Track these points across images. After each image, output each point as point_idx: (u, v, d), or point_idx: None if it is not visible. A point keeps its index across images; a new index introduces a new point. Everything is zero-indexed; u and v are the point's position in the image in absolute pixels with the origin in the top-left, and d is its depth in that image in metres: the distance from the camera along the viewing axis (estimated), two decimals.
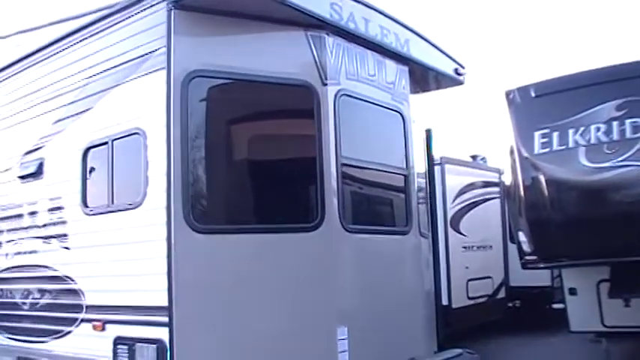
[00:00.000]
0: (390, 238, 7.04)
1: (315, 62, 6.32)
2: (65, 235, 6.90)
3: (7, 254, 7.78)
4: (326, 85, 6.32)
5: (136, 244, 6.01)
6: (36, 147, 7.44)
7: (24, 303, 7.43)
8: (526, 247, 9.68)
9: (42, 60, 7.53)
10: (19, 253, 7.59)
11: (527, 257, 9.71)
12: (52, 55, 7.37)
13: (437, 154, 10.33)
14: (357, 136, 6.67)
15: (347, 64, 6.63)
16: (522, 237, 9.74)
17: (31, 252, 7.39)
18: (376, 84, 7.00)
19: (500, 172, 15.15)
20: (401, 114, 7.27)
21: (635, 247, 8.47)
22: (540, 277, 13.99)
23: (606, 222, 8.69)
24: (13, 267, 7.67)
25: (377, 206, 7.47)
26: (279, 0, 5.78)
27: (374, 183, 7.17)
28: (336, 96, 6.38)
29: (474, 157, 15.71)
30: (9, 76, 8.08)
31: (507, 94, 9.90)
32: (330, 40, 6.44)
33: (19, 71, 7.91)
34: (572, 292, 10.48)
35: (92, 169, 6.68)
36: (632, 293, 9.42)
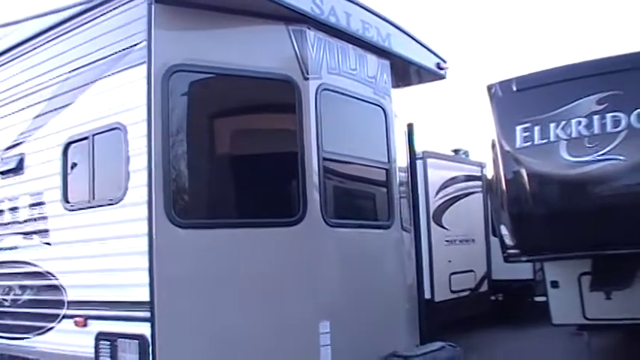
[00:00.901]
0: (372, 232, 7.04)
1: (297, 56, 6.31)
2: (46, 231, 6.86)
3: None
4: (307, 79, 6.31)
5: (118, 240, 5.98)
6: (16, 142, 7.39)
7: (5, 299, 7.38)
8: (508, 241, 9.74)
9: (22, 54, 7.47)
10: None
11: (510, 251, 9.77)
12: (32, 50, 7.31)
13: (419, 149, 10.35)
14: (338, 131, 6.66)
15: (328, 58, 6.62)
16: (504, 230, 9.80)
17: (11, 248, 7.34)
18: (358, 78, 7.00)
19: (482, 166, 15.21)
20: (383, 108, 7.27)
21: (616, 240, 8.53)
22: (522, 271, 14.09)
23: (587, 215, 8.75)
24: None
25: (359, 200, 7.48)
26: None
27: (356, 177, 7.18)
28: (317, 90, 6.37)
29: (455, 151, 15.75)
30: None
31: (489, 88, 9.94)
32: (311, 34, 6.44)
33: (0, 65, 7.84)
34: (554, 285, 10.55)
35: (73, 165, 6.64)
36: (613, 286, 9.49)
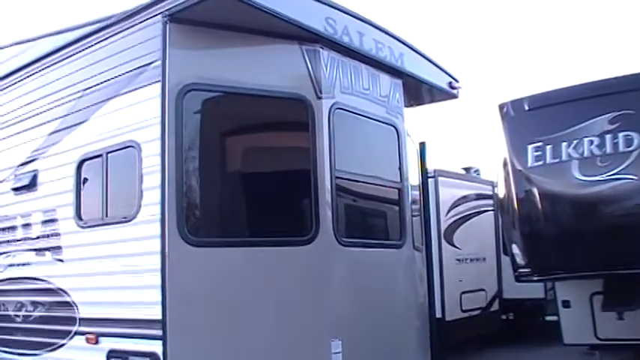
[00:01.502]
0: (384, 251, 7.03)
1: (310, 76, 6.33)
2: (59, 248, 6.89)
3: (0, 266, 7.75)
4: (320, 98, 6.33)
5: (130, 257, 6.00)
6: (30, 159, 7.43)
7: (17, 315, 7.40)
8: (520, 260, 9.69)
9: (37, 72, 7.54)
10: (12, 265, 7.57)
11: (521, 270, 9.72)
12: (47, 67, 7.38)
13: (430, 167, 10.34)
14: (351, 150, 6.68)
15: (341, 77, 6.64)
16: (516, 249, 9.75)
17: (24, 264, 7.37)
18: (370, 97, 7.02)
19: (493, 185, 15.15)
20: (395, 127, 7.28)
21: (629, 259, 8.49)
22: (534, 290, 13.97)
23: (599, 235, 8.71)
24: (6, 279, 7.63)
25: (371, 219, 7.48)
26: (274, 13, 5.80)
27: (368, 196, 7.19)
28: (330, 109, 6.39)
29: (467, 169, 15.69)
30: (4, 88, 8.08)
31: (501, 107, 9.93)
32: (324, 54, 6.46)
33: (15, 82, 7.91)
34: (566, 304, 10.49)
35: (86, 182, 6.67)
36: (625, 306, 9.44)
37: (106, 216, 6.34)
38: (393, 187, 7.22)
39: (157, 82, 5.89)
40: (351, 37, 6.69)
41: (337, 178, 6.34)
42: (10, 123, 7.85)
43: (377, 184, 7.10)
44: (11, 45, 8.24)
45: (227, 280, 5.85)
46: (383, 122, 7.16)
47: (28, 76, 7.69)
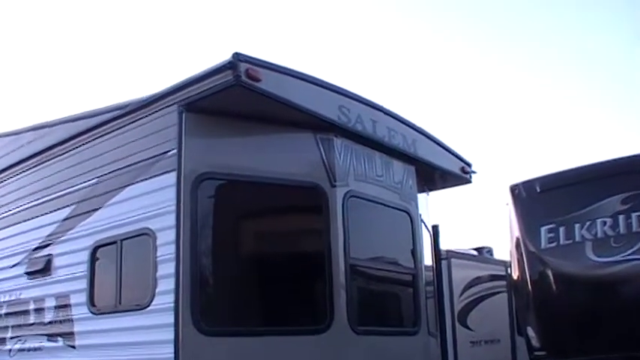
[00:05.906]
0: (398, 339, 6.96)
1: (324, 164, 6.37)
2: (71, 334, 6.84)
3: (10, 350, 7.69)
4: (335, 186, 6.35)
5: (143, 346, 5.94)
6: (44, 244, 7.45)
7: None
8: (535, 342, 9.61)
9: (54, 157, 7.63)
10: (23, 350, 7.51)
11: (537, 352, 9.61)
12: (64, 153, 7.48)
13: (443, 247, 10.31)
14: (365, 237, 6.67)
15: (355, 165, 6.67)
16: (531, 332, 9.67)
17: (36, 349, 7.32)
18: (384, 184, 7.04)
19: (506, 265, 15.03)
20: (409, 214, 7.28)
21: None
22: None
23: (615, 316, 8.63)
24: None
25: (385, 307, 7.40)
26: (288, 103, 5.89)
27: (382, 283, 7.16)
28: (344, 197, 6.39)
29: (479, 249, 15.58)
30: (21, 172, 8.17)
31: (512, 188, 9.98)
32: (338, 142, 6.51)
33: (32, 167, 8.00)
34: None
35: (100, 268, 6.67)
36: None
37: (119, 303, 6.32)
38: (407, 274, 7.18)
39: (172, 170, 5.93)
40: (365, 125, 6.74)
41: (351, 265, 6.30)
42: (26, 207, 7.90)
43: (391, 271, 7.08)
44: (30, 129, 8.36)
45: None
46: (396, 209, 7.16)
47: (43, 162, 7.78)
